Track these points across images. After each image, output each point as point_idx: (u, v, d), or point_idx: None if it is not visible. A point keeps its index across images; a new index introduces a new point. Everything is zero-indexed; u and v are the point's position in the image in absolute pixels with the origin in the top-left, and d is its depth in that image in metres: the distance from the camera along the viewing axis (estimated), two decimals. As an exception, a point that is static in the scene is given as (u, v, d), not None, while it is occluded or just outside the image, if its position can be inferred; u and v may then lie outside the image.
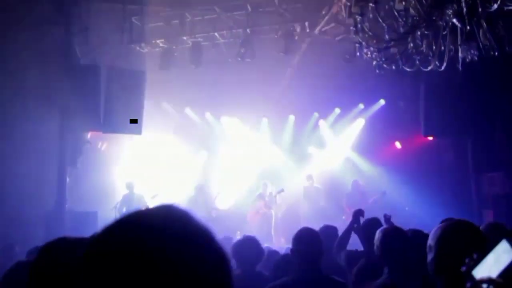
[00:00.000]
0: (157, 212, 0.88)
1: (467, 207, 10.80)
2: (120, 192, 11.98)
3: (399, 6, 5.34)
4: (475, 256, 1.39)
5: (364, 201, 12.36)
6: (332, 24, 10.76)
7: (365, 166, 13.95)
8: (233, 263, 4.19)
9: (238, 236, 9.03)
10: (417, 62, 5.91)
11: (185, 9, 10.98)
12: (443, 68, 5.72)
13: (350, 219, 5.40)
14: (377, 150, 13.51)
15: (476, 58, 5.36)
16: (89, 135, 11.52)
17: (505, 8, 4.67)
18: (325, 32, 11.10)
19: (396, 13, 5.37)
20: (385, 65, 6.08)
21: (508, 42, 5.38)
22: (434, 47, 5.51)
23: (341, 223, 8.61)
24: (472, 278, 1.35)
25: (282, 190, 12.82)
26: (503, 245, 1.38)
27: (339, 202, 13.06)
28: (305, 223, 9.02)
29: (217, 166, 14.66)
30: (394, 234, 3.47)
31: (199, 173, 14.23)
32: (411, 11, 5.24)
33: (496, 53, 5.34)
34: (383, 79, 9.21)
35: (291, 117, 14.87)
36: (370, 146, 13.57)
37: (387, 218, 5.32)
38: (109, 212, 10.42)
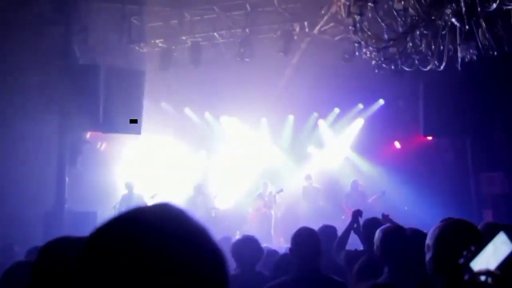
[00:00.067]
0: (153, 210, 0.88)
1: (467, 206, 10.81)
2: (119, 192, 11.98)
3: (398, 5, 5.34)
4: (472, 248, 1.38)
5: (364, 201, 12.37)
6: (331, 24, 10.77)
7: (364, 166, 13.95)
8: (232, 263, 4.19)
9: (237, 236, 9.03)
10: (416, 61, 5.91)
11: (184, 9, 10.99)
12: (442, 67, 5.72)
13: (349, 219, 5.42)
14: (376, 150, 13.51)
15: (475, 57, 5.37)
16: (88, 135, 11.52)
17: (504, 7, 4.67)
18: (324, 32, 11.11)
19: (395, 13, 5.37)
20: (384, 65, 6.08)
21: (507, 41, 5.38)
22: (433, 47, 5.51)
23: (341, 223, 8.61)
24: (470, 270, 1.34)
25: (281, 190, 12.84)
26: (501, 237, 1.37)
27: (338, 202, 13.06)
28: (305, 223, 8.97)
29: (217, 166, 14.66)
30: (394, 233, 3.47)
31: (198, 173, 14.22)
32: (410, 10, 5.24)
33: (495, 53, 5.34)
34: (382, 79, 9.19)
35: (290, 117, 14.87)
36: (369, 146, 13.58)
37: (385, 217, 5.35)
38: (108, 212, 10.41)
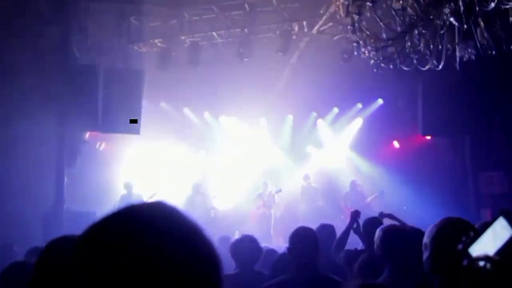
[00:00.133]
0: (148, 208, 0.88)
1: (466, 206, 10.82)
2: (118, 192, 11.98)
3: (397, 5, 5.34)
4: (471, 233, 1.36)
5: (362, 200, 12.39)
6: (330, 24, 10.78)
7: (363, 165, 13.96)
8: (232, 262, 4.20)
9: (236, 236, 9.03)
10: (415, 61, 5.91)
11: (183, 8, 10.99)
12: (440, 67, 5.72)
13: (348, 218, 5.44)
14: (375, 150, 13.52)
15: (473, 57, 5.37)
16: (87, 135, 11.51)
17: (502, 7, 4.67)
18: (323, 32, 11.12)
19: (393, 12, 5.37)
20: (382, 65, 6.08)
21: (506, 41, 5.39)
22: (431, 46, 5.51)
23: (340, 222, 8.62)
24: (468, 255, 1.31)
25: (280, 190, 12.87)
26: (501, 222, 1.34)
27: (337, 202, 13.08)
28: (304, 222, 8.99)
29: (216, 166, 14.66)
30: (394, 232, 3.47)
31: (198, 173, 14.22)
32: (409, 10, 5.25)
33: (494, 52, 5.35)
34: (381, 79, 9.21)
35: (290, 117, 14.88)
36: (368, 146, 13.58)
37: (383, 217, 5.40)
38: (107, 212, 10.38)
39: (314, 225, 4.70)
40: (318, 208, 12.70)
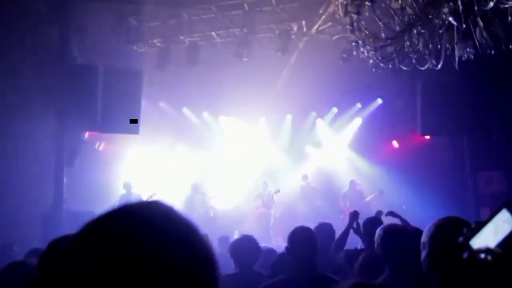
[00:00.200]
0: (143, 208, 0.89)
1: (464, 205, 10.83)
2: (117, 192, 11.97)
3: (395, 4, 5.35)
4: (473, 225, 1.33)
5: (361, 200, 12.40)
6: (329, 23, 10.77)
7: (362, 165, 13.97)
8: (231, 262, 4.20)
9: (235, 236, 9.03)
10: (414, 61, 5.92)
11: (182, 8, 10.97)
12: (439, 66, 5.73)
13: (348, 218, 5.46)
14: (374, 149, 13.53)
15: (472, 56, 5.38)
16: (86, 134, 11.50)
17: (501, 6, 4.67)
18: (322, 31, 11.11)
19: (392, 12, 5.38)
20: (381, 64, 6.09)
21: (505, 40, 5.39)
22: (430, 46, 5.51)
23: (339, 222, 8.63)
24: (469, 248, 1.28)
25: (278, 191, 12.90)
26: (504, 214, 1.31)
27: (336, 202, 13.09)
28: (303, 222, 9.00)
29: (215, 165, 14.66)
30: (394, 232, 3.47)
31: (197, 172, 14.22)
32: (407, 9, 5.25)
33: (493, 52, 5.35)
34: (380, 78, 9.21)
35: (289, 117, 14.88)
36: (367, 145, 13.59)
37: (381, 215, 5.42)
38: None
39: (313, 225, 4.71)
40: (317, 208, 12.70)
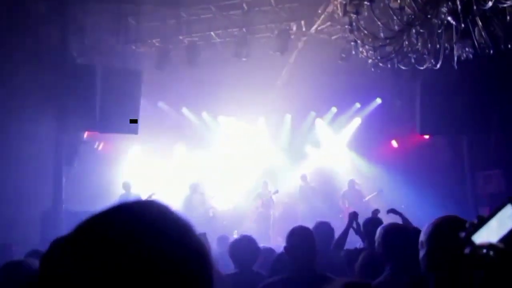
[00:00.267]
0: (137, 207, 0.88)
1: (463, 205, 10.82)
2: (117, 191, 11.96)
3: (394, 4, 5.35)
4: (475, 221, 1.30)
5: (361, 199, 12.41)
6: (328, 23, 10.78)
7: (361, 164, 13.98)
8: (231, 262, 4.20)
9: (235, 235, 9.03)
10: (413, 60, 5.92)
11: (181, 8, 10.97)
12: (438, 66, 5.73)
13: (347, 217, 5.48)
14: (373, 149, 13.53)
15: (471, 56, 5.38)
16: (85, 134, 11.50)
17: (500, 6, 4.68)
18: (321, 31, 11.13)
19: (391, 11, 5.38)
20: (380, 64, 6.09)
21: (504, 40, 5.39)
22: (429, 45, 5.52)
23: (339, 221, 8.64)
24: (471, 243, 1.26)
25: (277, 191, 12.92)
26: (508, 210, 1.29)
27: (335, 201, 13.10)
28: (302, 221, 9.03)
29: (214, 165, 14.65)
30: (395, 231, 3.47)
31: (196, 172, 14.21)
32: (406, 9, 5.25)
33: (492, 52, 5.35)
34: (379, 78, 9.22)
35: (288, 116, 14.88)
36: (366, 145, 13.60)
37: (376, 214, 5.46)
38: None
39: (312, 225, 4.71)
40: (316, 208, 12.71)
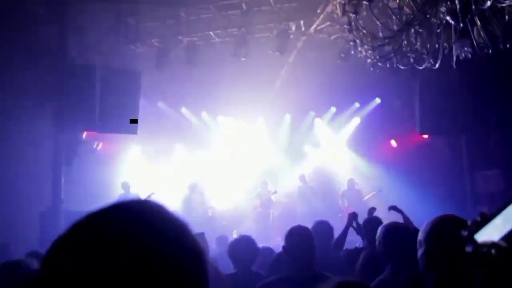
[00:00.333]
0: (134, 206, 0.88)
1: (462, 204, 10.84)
2: (116, 191, 11.96)
3: (393, 4, 5.35)
4: (478, 219, 1.28)
5: (360, 199, 12.41)
6: (327, 23, 10.78)
7: (361, 164, 13.98)
8: (229, 262, 4.20)
9: (234, 235, 9.04)
10: (412, 60, 5.92)
11: (180, 8, 10.96)
12: (437, 66, 5.73)
13: (346, 217, 5.48)
14: (373, 149, 13.54)
15: (470, 56, 5.38)
16: (85, 134, 11.49)
17: (499, 5, 4.68)
18: (320, 31, 11.12)
19: (390, 11, 5.38)
20: (379, 63, 6.09)
21: (502, 40, 5.40)
22: (428, 45, 5.52)
23: (338, 221, 8.63)
24: (474, 241, 1.24)
25: (275, 192, 12.92)
26: None
27: (334, 201, 13.10)
28: (302, 222, 9.02)
29: (214, 165, 14.65)
30: (396, 230, 3.47)
31: (195, 172, 14.21)
32: (405, 8, 5.26)
33: (490, 51, 5.36)
34: (378, 78, 9.22)
35: (287, 116, 14.88)
36: (366, 145, 13.61)
37: (371, 212, 5.46)
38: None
39: (311, 225, 4.71)
40: (315, 208, 12.70)
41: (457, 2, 4.80)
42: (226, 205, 13.69)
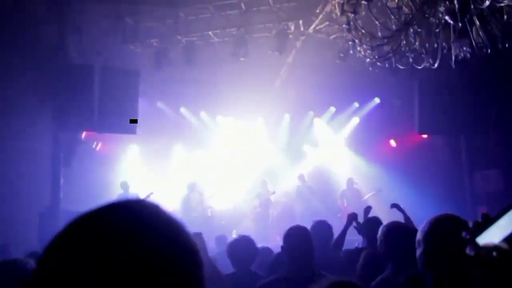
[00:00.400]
0: (131, 205, 0.88)
1: (462, 204, 10.84)
2: (115, 191, 11.96)
3: (392, 3, 5.35)
4: (479, 220, 1.26)
5: (359, 198, 12.41)
6: (326, 23, 10.78)
7: (360, 164, 13.99)
8: (228, 262, 4.20)
9: (233, 235, 9.04)
10: (411, 59, 5.92)
11: (179, 8, 10.95)
12: (436, 65, 5.74)
13: (346, 217, 5.48)
14: (372, 148, 13.55)
15: (469, 55, 5.38)
16: (83, 134, 11.49)
17: (497, 5, 4.68)
18: (319, 31, 11.12)
19: (389, 11, 5.38)
20: (378, 63, 6.09)
21: (501, 39, 5.40)
22: (427, 45, 5.52)
23: (338, 221, 8.63)
24: (475, 244, 1.22)
25: (274, 192, 12.95)
26: None
27: (333, 201, 13.11)
28: (301, 221, 9.03)
29: (213, 165, 14.65)
30: (398, 229, 3.47)
31: (194, 172, 14.21)
32: (404, 8, 5.26)
33: (489, 51, 5.36)
34: (377, 78, 9.22)
35: (286, 116, 14.89)
36: (365, 144, 13.61)
37: (367, 211, 5.60)
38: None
39: (310, 225, 4.70)
40: (314, 208, 12.71)
41: (455, 1, 4.81)
42: (225, 205, 13.70)
